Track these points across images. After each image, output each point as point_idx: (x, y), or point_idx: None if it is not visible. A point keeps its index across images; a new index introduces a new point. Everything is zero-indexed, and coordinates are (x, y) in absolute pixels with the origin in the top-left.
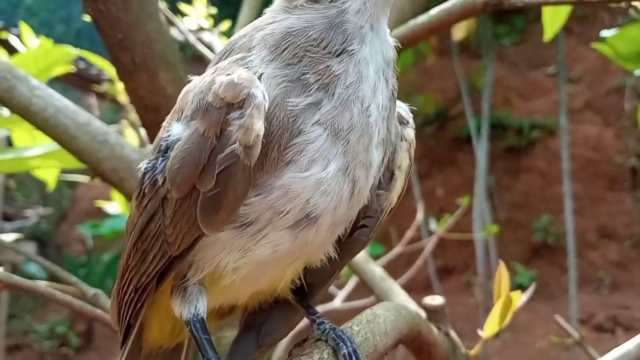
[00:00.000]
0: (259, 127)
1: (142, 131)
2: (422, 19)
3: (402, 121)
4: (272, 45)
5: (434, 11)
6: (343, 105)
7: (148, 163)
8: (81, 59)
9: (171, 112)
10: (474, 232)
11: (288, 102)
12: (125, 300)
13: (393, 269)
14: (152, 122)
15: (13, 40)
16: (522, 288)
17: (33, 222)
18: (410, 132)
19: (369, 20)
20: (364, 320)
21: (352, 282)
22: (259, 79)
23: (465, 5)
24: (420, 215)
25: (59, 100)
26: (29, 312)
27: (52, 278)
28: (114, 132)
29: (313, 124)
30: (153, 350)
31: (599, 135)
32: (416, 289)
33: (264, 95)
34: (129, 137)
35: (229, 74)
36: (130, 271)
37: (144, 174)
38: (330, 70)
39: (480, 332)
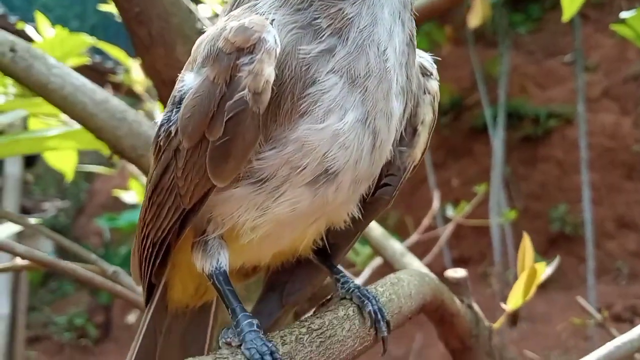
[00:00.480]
0: (269, 72)
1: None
2: None
3: (425, 73)
4: None
5: None
6: (358, 50)
7: (164, 116)
8: (96, 52)
9: (186, 64)
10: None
11: (300, 49)
12: (144, 255)
13: None
14: (169, 97)
15: (29, 30)
16: None
17: (51, 215)
18: (434, 84)
19: None
20: (388, 283)
21: (367, 271)
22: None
23: None
24: (436, 204)
25: (76, 79)
26: (48, 305)
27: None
28: (132, 110)
29: (328, 72)
30: (179, 309)
31: (617, 124)
32: None
33: (275, 40)
34: None
35: (240, 20)
36: (147, 225)
37: (160, 126)
38: (342, 14)
39: (503, 306)
